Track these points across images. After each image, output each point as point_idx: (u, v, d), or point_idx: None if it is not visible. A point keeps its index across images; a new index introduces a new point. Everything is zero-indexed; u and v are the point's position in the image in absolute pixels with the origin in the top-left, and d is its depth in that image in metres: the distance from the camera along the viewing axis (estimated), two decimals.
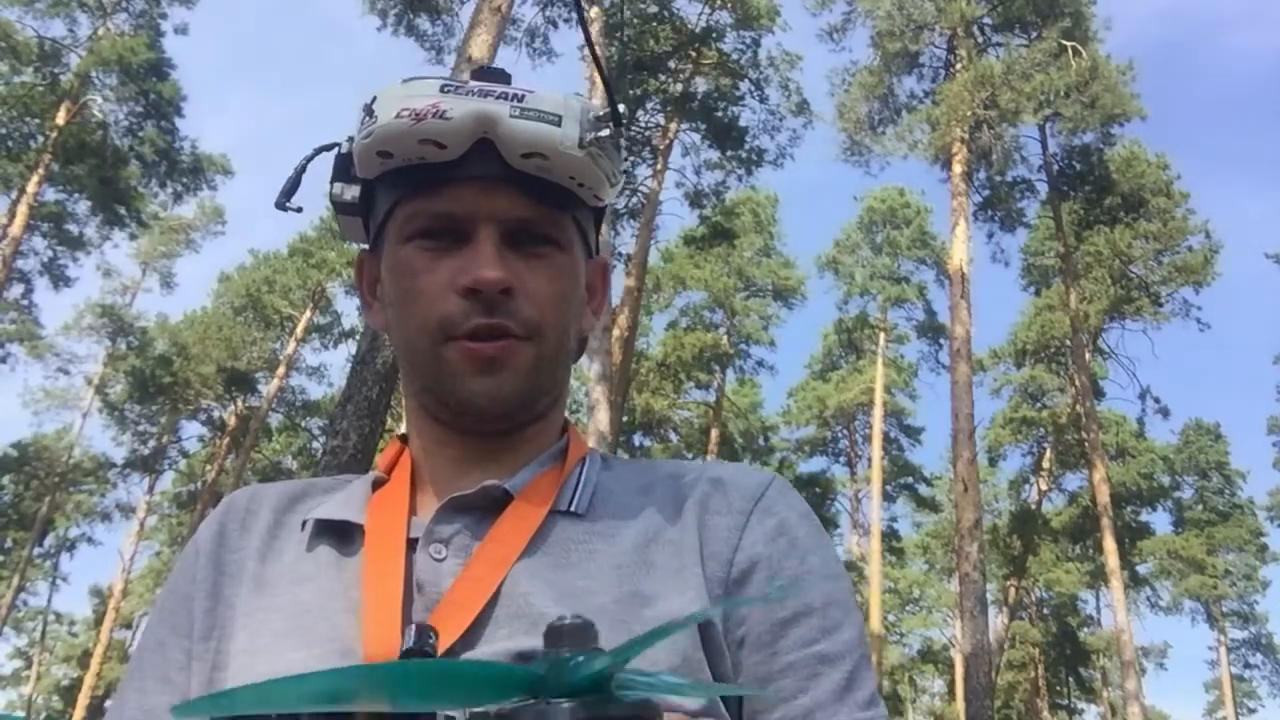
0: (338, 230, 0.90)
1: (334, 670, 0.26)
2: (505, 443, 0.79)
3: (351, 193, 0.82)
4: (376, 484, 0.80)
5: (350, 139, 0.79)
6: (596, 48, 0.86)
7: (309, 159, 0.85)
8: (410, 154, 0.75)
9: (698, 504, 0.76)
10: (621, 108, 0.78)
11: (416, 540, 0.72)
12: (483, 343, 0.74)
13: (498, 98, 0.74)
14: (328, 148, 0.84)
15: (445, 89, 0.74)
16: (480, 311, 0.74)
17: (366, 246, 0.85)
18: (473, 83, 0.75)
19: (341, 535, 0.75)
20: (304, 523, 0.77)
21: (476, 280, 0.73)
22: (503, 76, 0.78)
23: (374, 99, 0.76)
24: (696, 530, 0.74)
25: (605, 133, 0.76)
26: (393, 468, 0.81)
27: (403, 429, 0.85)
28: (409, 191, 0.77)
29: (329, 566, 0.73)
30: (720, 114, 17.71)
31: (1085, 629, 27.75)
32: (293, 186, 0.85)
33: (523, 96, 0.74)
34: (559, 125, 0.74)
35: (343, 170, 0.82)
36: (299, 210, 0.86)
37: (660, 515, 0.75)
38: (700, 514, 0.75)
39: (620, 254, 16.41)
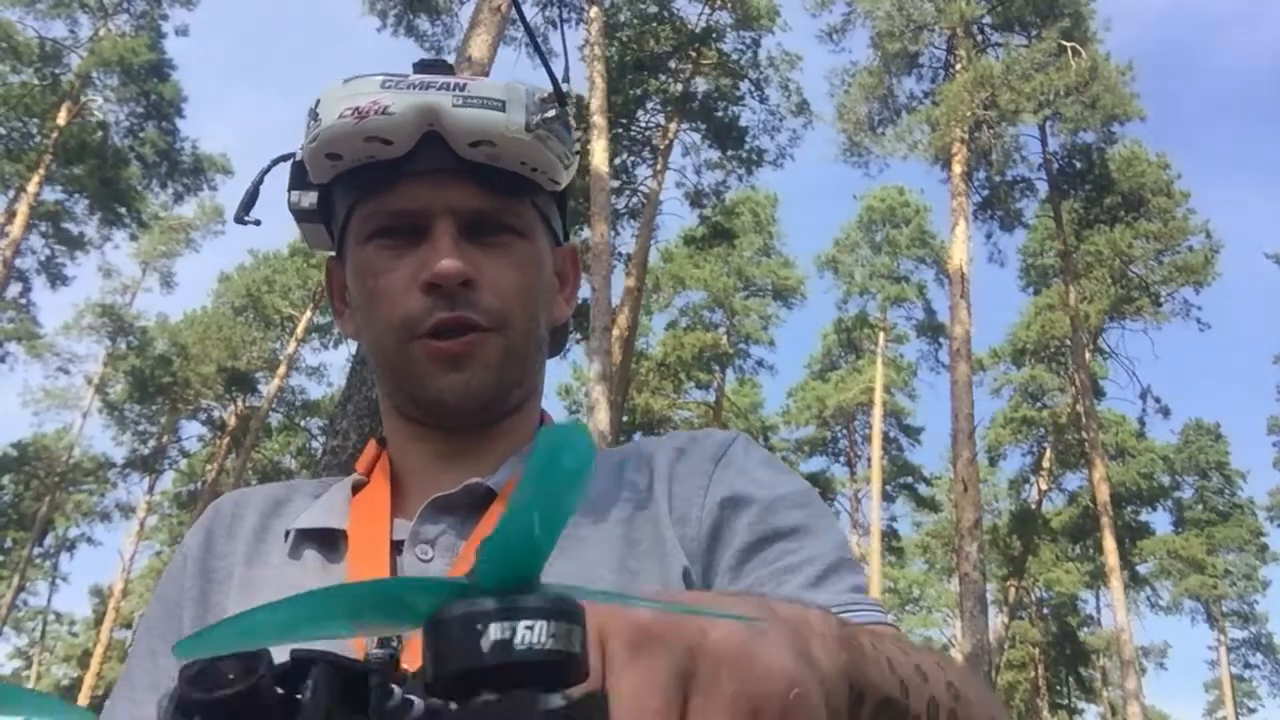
0: (305, 239, 0.89)
1: (284, 601, 0.26)
2: (482, 438, 0.78)
3: (309, 200, 0.82)
4: (357, 487, 0.79)
5: (303, 146, 0.78)
6: (529, 22, 0.86)
7: (266, 170, 0.84)
8: (358, 153, 0.74)
9: (665, 475, 0.76)
10: (566, 87, 0.77)
11: (402, 543, 0.72)
12: (446, 340, 0.73)
13: (439, 89, 0.73)
14: (285, 158, 0.83)
15: (386, 84, 0.73)
16: (443, 306, 0.73)
17: (334, 254, 0.84)
18: (414, 76, 0.75)
19: (326, 542, 0.74)
20: (286, 533, 0.76)
21: (435, 274, 0.72)
22: (444, 67, 0.77)
23: (318, 102, 0.75)
24: (666, 500, 0.74)
25: (552, 114, 0.75)
26: (372, 469, 0.80)
27: None
28: (363, 192, 0.76)
29: (316, 571, 0.73)
30: (720, 114, 17.70)
31: (1085, 629, 27.73)
32: (251, 199, 0.84)
33: (464, 85, 0.73)
34: (503, 110, 0.73)
35: (298, 177, 0.81)
36: (258, 223, 0.85)
37: (634, 493, 0.75)
38: (668, 484, 0.75)
39: (620, 254, 16.41)
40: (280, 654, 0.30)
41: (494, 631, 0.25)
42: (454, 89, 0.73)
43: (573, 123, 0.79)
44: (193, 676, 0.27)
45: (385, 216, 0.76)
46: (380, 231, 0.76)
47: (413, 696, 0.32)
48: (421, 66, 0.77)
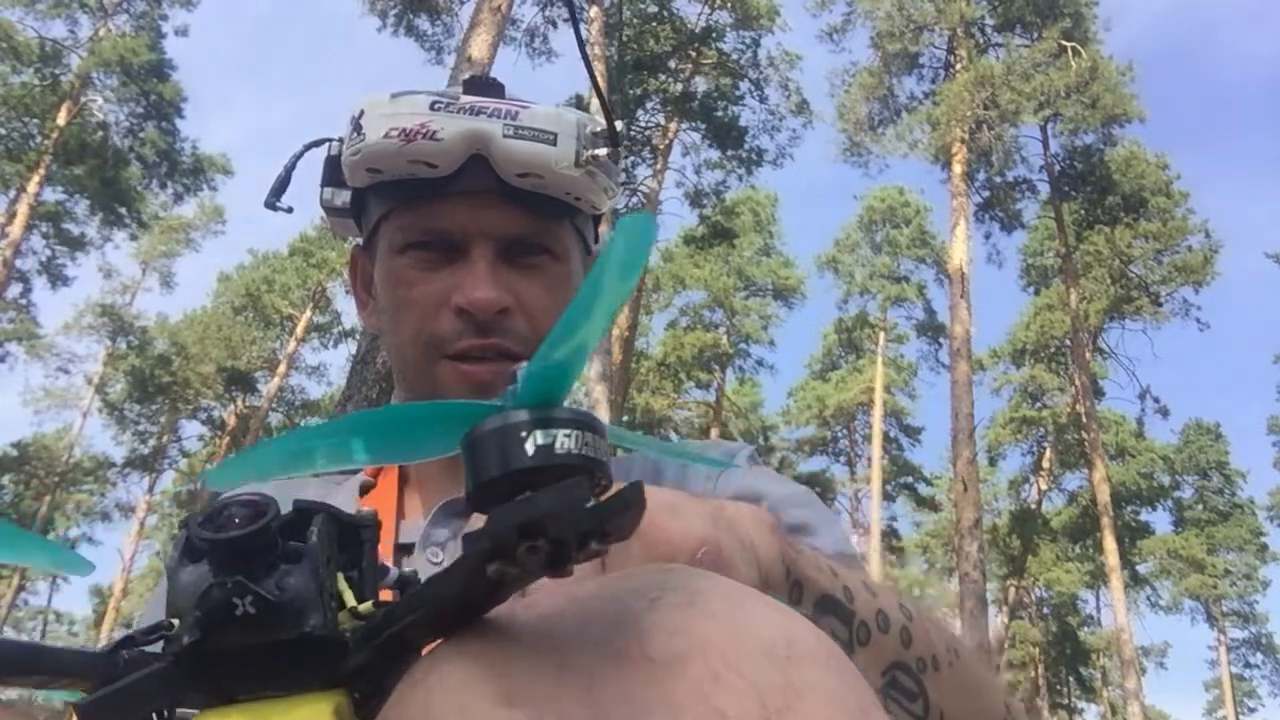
0: (333, 229, 0.88)
1: (333, 423, 0.29)
2: None
3: (342, 198, 0.81)
4: (364, 488, 0.79)
5: (340, 140, 0.77)
6: (595, 68, 0.84)
7: (298, 156, 0.83)
8: (401, 172, 0.73)
9: (673, 481, 0.77)
10: (619, 125, 0.76)
11: (409, 545, 0.71)
12: (476, 365, 0.73)
13: (490, 115, 0.71)
14: (317, 143, 0.83)
15: (435, 106, 0.72)
16: (473, 332, 0.73)
17: (360, 242, 0.84)
18: (464, 98, 0.73)
19: None
20: None
21: (471, 303, 0.72)
22: (496, 89, 0.75)
23: (361, 113, 0.73)
24: None
25: (603, 152, 0.74)
26: (379, 471, 0.80)
27: None
28: (400, 202, 0.75)
29: None
30: (720, 114, 17.69)
31: (1085, 628, 27.72)
32: (282, 185, 0.83)
33: (516, 113, 0.72)
34: (554, 144, 0.72)
35: (333, 175, 0.80)
36: (289, 210, 0.84)
37: None
38: (677, 486, 0.74)
39: None
40: (284, 506, 0.33)
41: (538, 437, 0.28)
42: (505, 116, 0.72)
43: (622, 153, 0.78)
44: (203, 519, 0.29)
45: (422, 232, 0.75)
46: (416, 244, 0.76)
47: (387, 564, 0.38)
48: (472, 86, 0.75)
